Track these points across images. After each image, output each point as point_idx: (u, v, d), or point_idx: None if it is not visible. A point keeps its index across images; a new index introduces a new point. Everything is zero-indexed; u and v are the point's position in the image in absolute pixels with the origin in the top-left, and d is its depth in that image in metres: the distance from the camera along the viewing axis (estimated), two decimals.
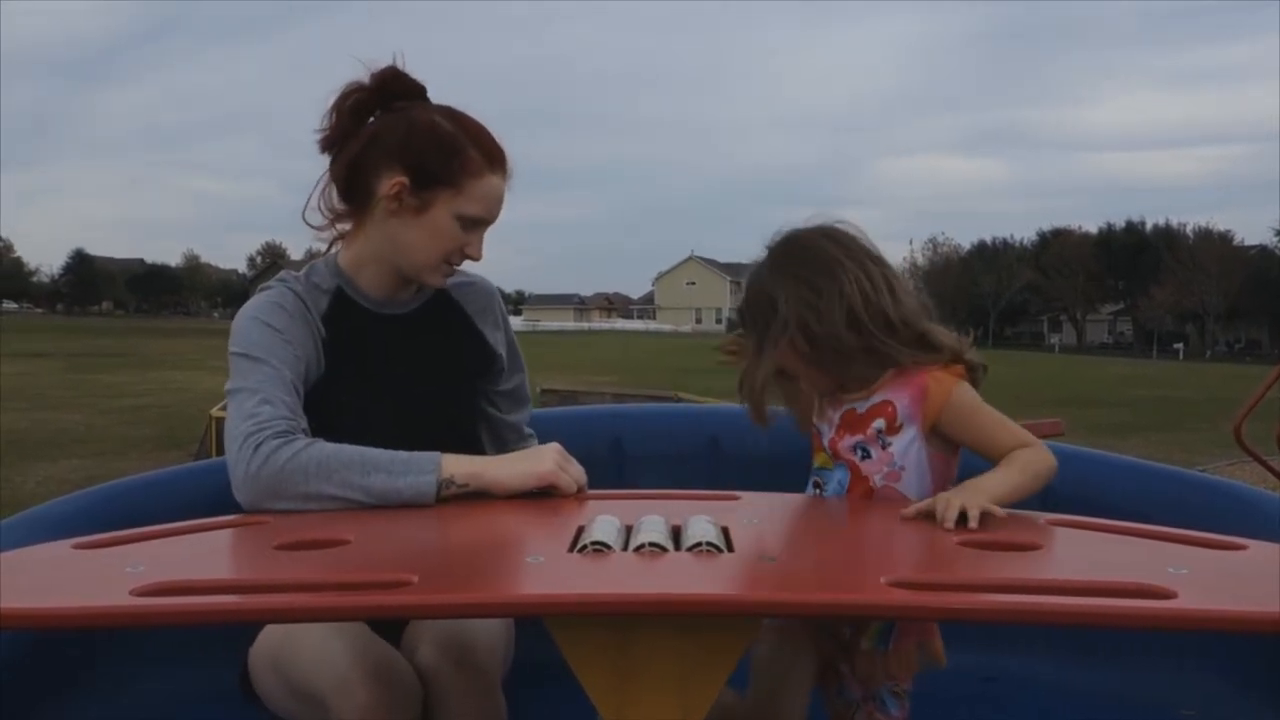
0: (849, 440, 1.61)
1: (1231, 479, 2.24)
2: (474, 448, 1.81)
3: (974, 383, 1.63)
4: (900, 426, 1.60)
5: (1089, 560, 1.19)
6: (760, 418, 1.65)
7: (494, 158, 1.71)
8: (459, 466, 1.55)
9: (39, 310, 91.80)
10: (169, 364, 23.71)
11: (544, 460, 1.57)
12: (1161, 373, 33.48)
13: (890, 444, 1.59)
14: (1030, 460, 1.57)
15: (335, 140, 1.73)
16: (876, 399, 1.61)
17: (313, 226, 1.78)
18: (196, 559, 1.16)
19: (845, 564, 1.20)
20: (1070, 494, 2.05)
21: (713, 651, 1.09)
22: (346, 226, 1.78)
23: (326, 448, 1.54)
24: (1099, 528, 1.32)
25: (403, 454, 1.54)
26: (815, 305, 1.55)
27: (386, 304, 1.78)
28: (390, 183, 1.67)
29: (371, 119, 1.73)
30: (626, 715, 1.11)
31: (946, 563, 1.17)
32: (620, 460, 2.28)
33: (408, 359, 1.79)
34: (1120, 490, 2.11)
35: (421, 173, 1.67)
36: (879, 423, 1.61)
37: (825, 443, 1.65)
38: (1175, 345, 61.46)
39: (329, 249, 1.81)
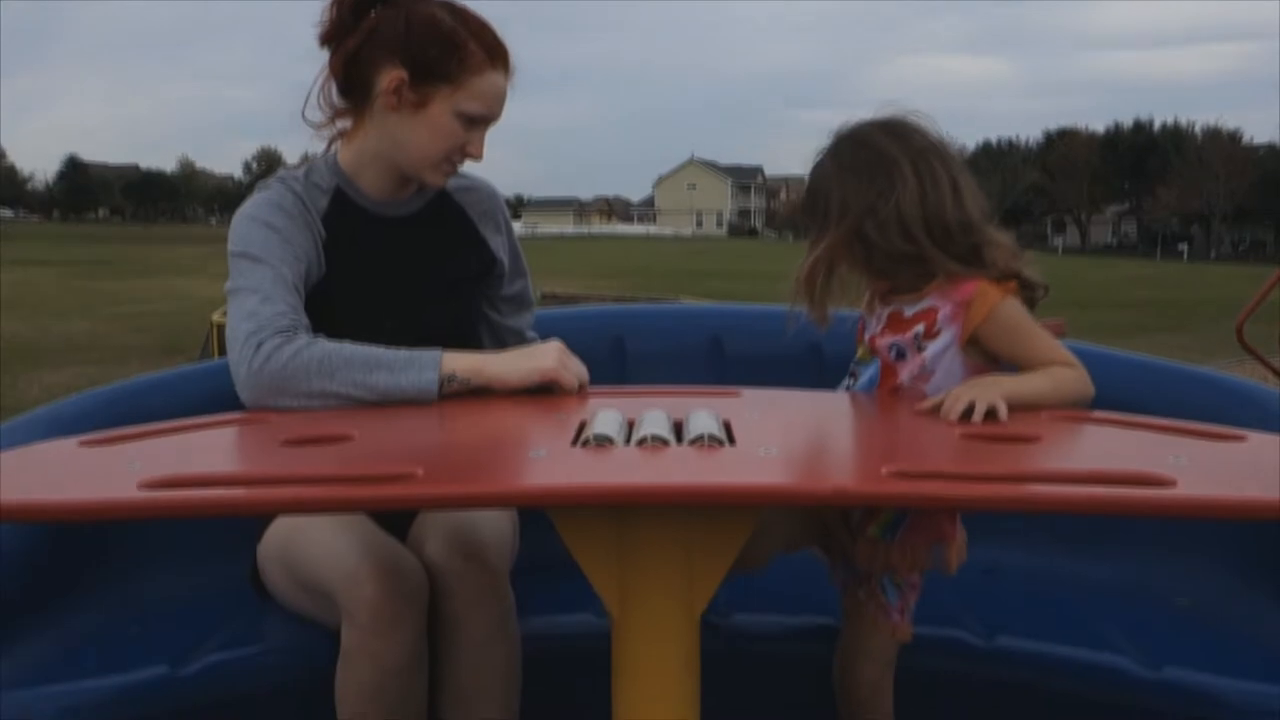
0: (888, 339, 1.62)
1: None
2: (474, 350, 1.81)
3: (1030, 301, 1.60)
4: (938, 332, 1.60)
5: (1089, 451, 1.20)
6: (817, 312, 1.63)
7: (495, 53, 1.67)
8: (460, 362, 1.55)
9: (35, 218, 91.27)
10: (168, 271, 23.64)
11: (546, 356, 1.57)
12: (1165, 274, 33.37)
13: (925, 348, 1.59)
14: (1065, 376, 1.55)
15: (334, 34, 1.69)
16: (925, 304, 1.60)
17: (312, 124, 1.75)
18: (202, 454, 1.17)
19: (846, 455, 1.21)
20: None
21: (714, 541, 1.10)
22: (346, 124, 1.75)
23: (328, 345, 1.54)
24: (1099, 420, 1.33)
25: (404, 352, 1.54)
26: (872, 207, 1.54)
27: (387, 205, 1.76)
28: (389, 78, 1.64)
29: (371, 12, 1.68)
30: (629, 605, 1.13)
31: (948, 454, 1.18)
32: (622, 360, 2.28)
33: (408, 261, 1.77)
34: (1120, 385, 2.12)
35: (420, 68, 1.63)
36: (919, 327, 1.61)
37: (867, 337, 1.66)
38: (1180, 246, 61.17)
39: (328, 148, 1.79)
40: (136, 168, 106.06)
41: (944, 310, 1.58)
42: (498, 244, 1.89)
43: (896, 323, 1.62)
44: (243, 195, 1.73)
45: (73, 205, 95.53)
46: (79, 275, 21.73)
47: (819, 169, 1.62)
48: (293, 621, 1.72)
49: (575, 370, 1.58)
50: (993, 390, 1.43)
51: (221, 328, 6.53)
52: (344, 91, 1.71)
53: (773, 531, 1.68)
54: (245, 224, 1.66)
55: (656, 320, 2.41)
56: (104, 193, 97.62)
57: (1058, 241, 73.60)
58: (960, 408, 1.37)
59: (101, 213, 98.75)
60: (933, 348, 1.60)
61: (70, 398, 2.06)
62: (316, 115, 1.74)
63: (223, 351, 2.13)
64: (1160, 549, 2.07)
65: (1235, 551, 2.02)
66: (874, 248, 1.55)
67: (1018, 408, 1.43)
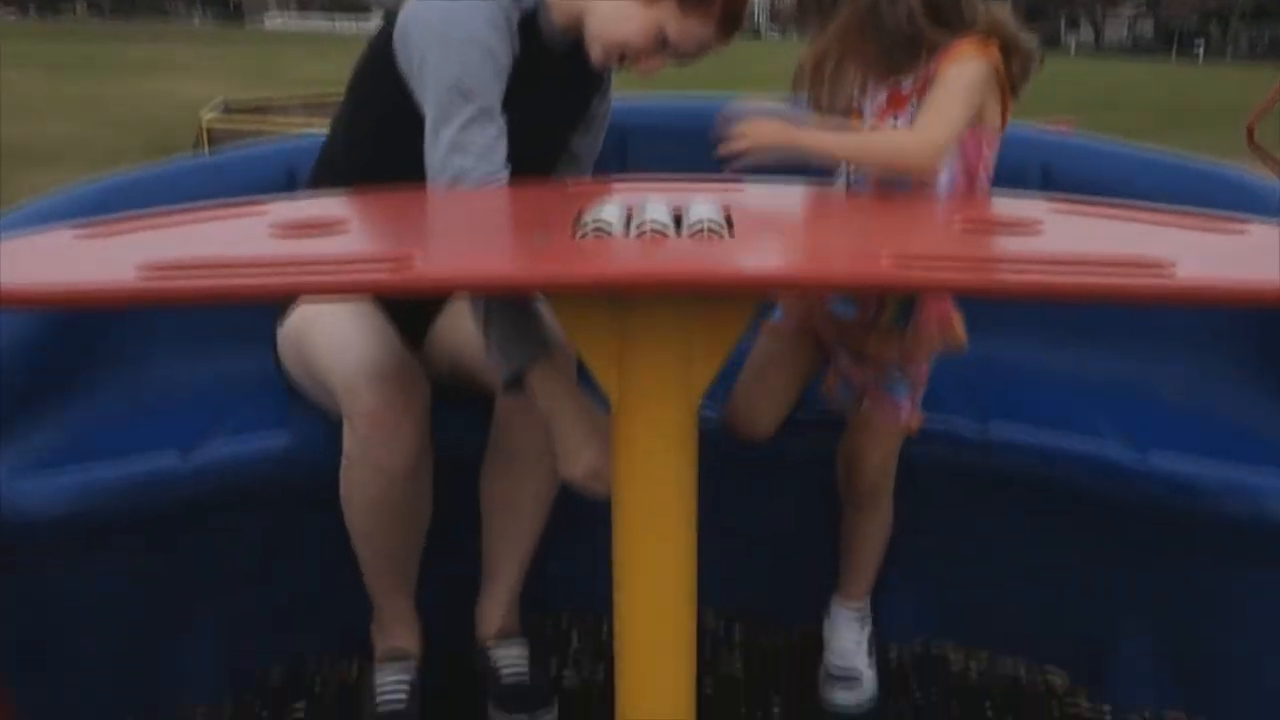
0: (890, 117, 1.59)
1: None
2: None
3: (1021, 71, 1.56)
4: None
5: (1089, 239, 1.19)
6: (825, 101, 1.62)
7: (730, 22, 1.61)
8: (543, 387, 1.49)
9: (10, 15, 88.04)
10: (153, 70, 22.89)
11: (580, 464, 1.48)
12: (1180, 74, 32.47)
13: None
14: (895, 139, 1.55)
15: None
16: (919, 75, 1.57)
17: None
18: (198, 242, 1.16)
19: (847, 243, 1.21)
20: (1072, 181, 2.03)
21: (714, 328, 1.11)
22: None
23: None
24: (1100, 210, 1.32)
25: (523, 327, 1.49)
26: None
27: (553, 38, 1.70)
28: None
29: None
30: (629, 391, 1.15)
31: (947, 242, 1.18)
32: (623, 151, 2.24)
33: (559, 93, 1.76)
34: (1122, 177, 2.10)
35: None
36: (915, 96, 1.58)
37: (866, 124, 1.62)
38: (1196, 47, 59.30)
39: None
40: None
41: (932, 74, 1.55)
42: (599, 108, 1.88)
43: (897, 100, 1.60)
44: None
45: (48, 2, 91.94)
46: (61, 75, 21.09)
47: None
48: (308, 409, 1.76)
49: (601, 488, 1.46)
50: (777, 133, 1.47)
51: (212, 130, 6.38)
52: None
53: (773, 389, 1.72)
54: (465, 44, 1.57)
55: (660, 113, 2.35)
56: None
57: (1071, 40, 71.27)
58: (739, 144, 1.46)
59: (79, 8, 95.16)
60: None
61: (62, 191, 2.04)
62: None
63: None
64: (1150, 342, 2.10)
65: (1223, 341, 2.05)
66: (883, 29, 1.51)
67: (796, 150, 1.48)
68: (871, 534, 1.80)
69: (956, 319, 1.66)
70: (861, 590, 1.84)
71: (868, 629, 1.86)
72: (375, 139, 1.71)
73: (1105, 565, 1.80)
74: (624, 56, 1.63)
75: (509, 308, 1.48)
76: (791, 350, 1.78)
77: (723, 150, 1.51)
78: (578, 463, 1.47)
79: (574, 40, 1.69)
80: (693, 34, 1.60)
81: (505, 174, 1.56)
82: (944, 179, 1.53)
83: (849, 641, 1.83)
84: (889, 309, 1.65)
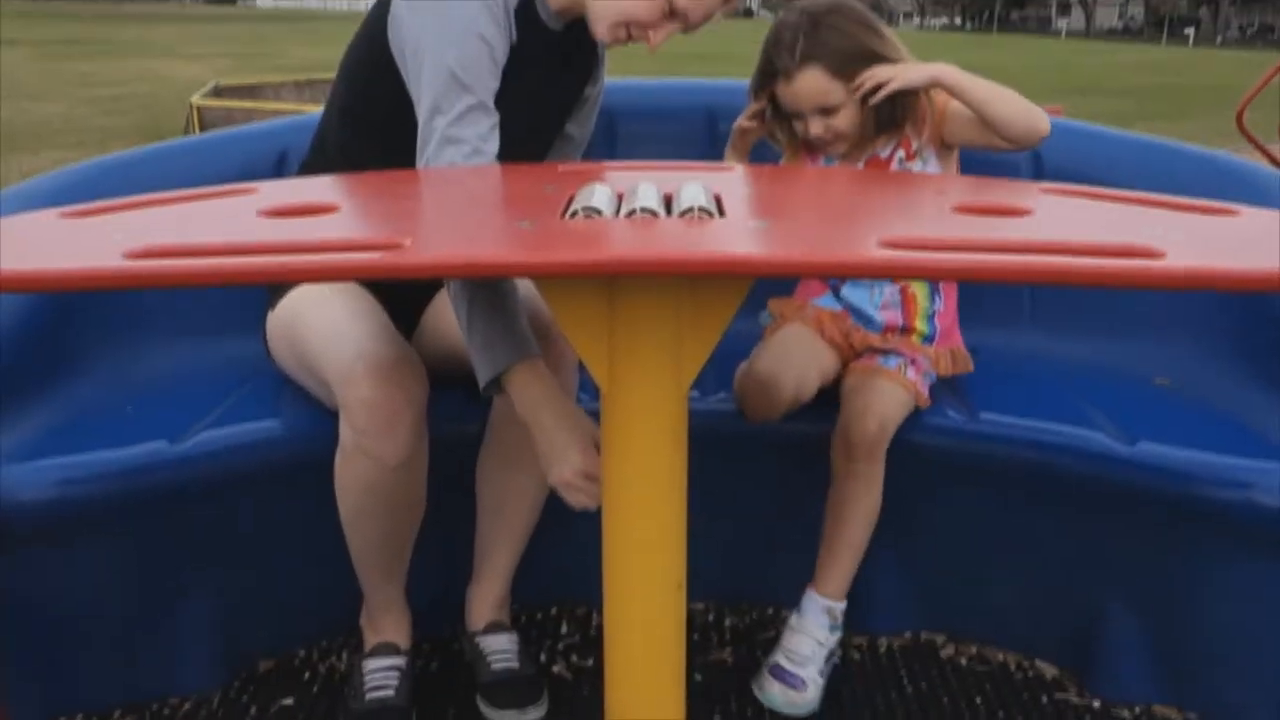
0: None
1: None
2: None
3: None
4: (916, 152, 1.81)
5: (1079, 225, 1.19)
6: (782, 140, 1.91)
7: None
8: (522, 392, 1.46)
9: None
10: (144, 51, 22.76)
11: (566, 465, 1.43)
12: (1170, 59, 32.44)
13: (909, 167, 1.80)
14: (1026, 103, 1.74)
15: None
16: (894, 143, 1.83)
17: None
18: (186, 226, 1.15)
19: (838, 228, 1.20)
20: (1062, 166, 2.03)
21: (702, 313, 1.10)
22: None
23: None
24: (1090, 195, 1.31)
25: (500, 328, 1.46)
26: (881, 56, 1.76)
27: (552, 19, 1.68)
28: None
29: None
30: (619, 375, 1.14)
31: (939, 226, 1.17)
32: (612, 136, 2.23)
33: (558, 76, 1.75)
34: (1113, 162, 2.10)
35: None
36: (900, 154, 1.81)
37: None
38: (1186, 30, 59.27)
39: None
40: None
41: (912, 133, 1.82)
42: (590, 92, 1.87)
43: (878, 165, 1.82)
44: None
45: None
46: (50, 55, 20.95)
47: (840, 17, 1.76)
48: (298, 396, 1.75)
49: (589, 493, 1.42)
50: (925, 69, 1.74)
51: (202, 110, 6.34)
52: None
53: (799, 371, 1.74)
54: (463, 35, 1.55)
55: (649, 95, 2.34)
56: None
57: (1061, 24, 71.17)
58: (883, 75, 1.71)
59: None
60: (915, 164, 1.81)
61: (48, 174, 2.02)
62: None
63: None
64: (1139, 329, 2.10)
65: (1212, 331, 2.05)
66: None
67: (955, 91, 1.73)
68: (855, 515, 1.74)
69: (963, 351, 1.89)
70: (837, 584, 1.76)
71: (835, 637, 1.76)
72: (367, 122, 1.70)
73: (1095, 556, 1.81)
74: (630, 29, 1.61)
75: (487, 311, 1.46)
76: (819, 342, 1.83)
77: (869, 83, 1.71)
78: (563, 467, 1.42)
79: (569, 23, 1.67)
80: (699, 5, 1.58)
81: (498, 168, 1.55)
82: None
83: (808, 643, 1.73)
84: (916, 329, 1.82)
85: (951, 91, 1.74)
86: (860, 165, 1.81)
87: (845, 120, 1.77)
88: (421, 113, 1.55)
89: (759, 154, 1.95)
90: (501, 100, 1.60)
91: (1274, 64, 4.14)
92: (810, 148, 1.87)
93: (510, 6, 1.61)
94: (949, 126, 1.81)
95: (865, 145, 1.83)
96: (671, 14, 1.59)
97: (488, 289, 1.47)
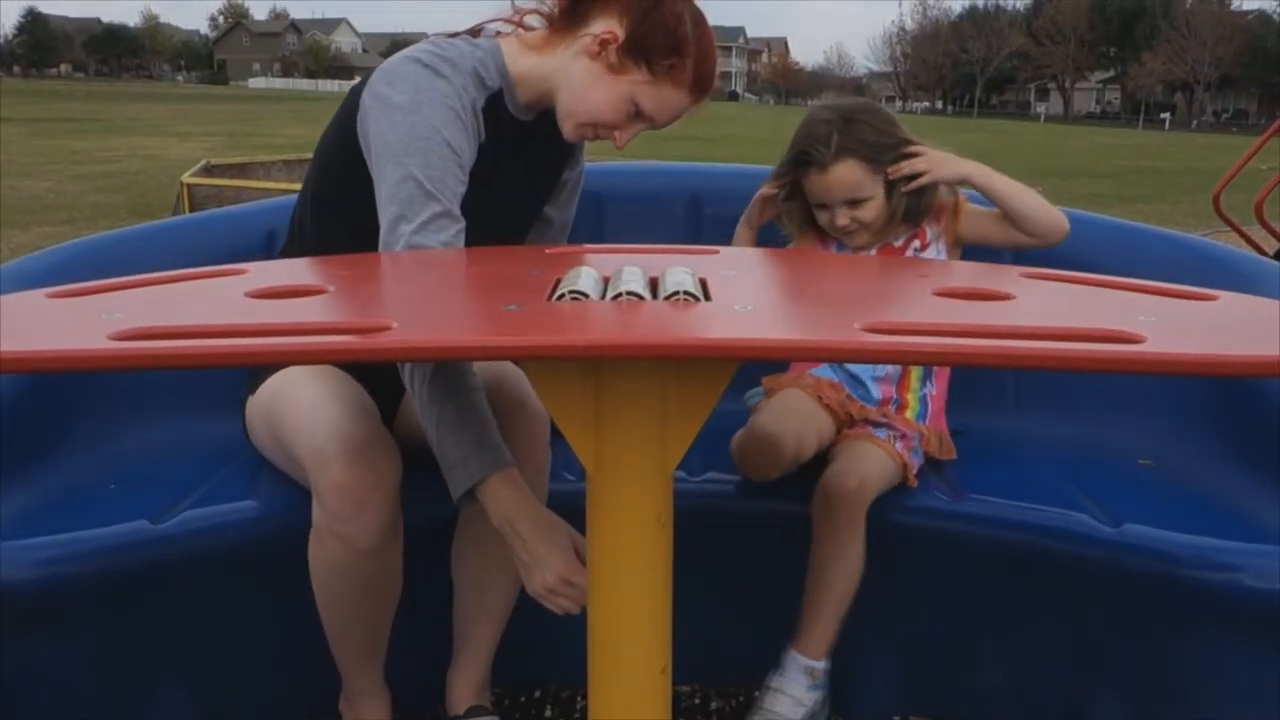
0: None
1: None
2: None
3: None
4: (929, 244, 1.90)
5: (1059, 309, 1.20)
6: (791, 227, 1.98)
7: (701, 85, 1.64)
8: (497, 504, 1.45)
9: None
10: (136, 129, 23.01)
11: (549, 572, 1.42)
12: (1146, 143, 33.13)
13: (922, 257, 1.89)
14: (1046, 203, 1.84)
15: None
16: (910, 233, 1.91)
17: (515, 10, 1.71)
18: (173, 307, 1.16)
19: (821, 311, 1.21)
20: (1042, 251, 2.06)
21: (690, 395, 1.11)
22: (535, 35, 1.68)
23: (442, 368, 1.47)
24: (1069, 279, 1.33)
25: (471, 443, 1.45)
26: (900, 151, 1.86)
27: (521, 112, 1.71)
28: (606, 29, 1.59)
29: None
30: (605, 457, 1.14)
31: (921, 311, 1.18)
32: (599, 217, 2.26)
33: (529, 166, 1.78)
34: (1092, 247, 2.13)
35: (637, 44, 1.58)
36: (915, 243, 1.90)
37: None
38: (1162, 115, 60.61)
39: (477, 33, 1.71)
40: (98, 21, 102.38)
41: (930, 228, 1.91)
42: (568, 176, 1.90)
43: (890, 253, 1.89)
44: (210, 51, 1.67)
45: (33, 60, 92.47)
46: (43, 133, 21.15)
47: (880, 119, 1.86)
48: (278, 478, 1.74)
49: (575, 597, 1.42)
50: (973, 163, 1.85)
51: (192, 189, 6.40)
52: (564, 12, 1.64)
53: (800, 427, 1.75)
54: (428, 141, 1.55)
55: (635, 179, 2.38)
56: (65, 47, 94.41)
57: (1040, 109, 72.70)
58: (920, 166, 1.82)
59: (63, 68, 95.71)
60: (926, 254, 1.90)
61: (37, 253, 2.03)
62: (526, 2, 1.70)
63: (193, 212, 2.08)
64: (1120, 411, 2.11)
65: (1192, 412, 2.06)
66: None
67: (985, 187, 1.83)
68: (835, 575, 1.72)
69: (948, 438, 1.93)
70: (818, 645, 1.74)
71: (815, 697, 1.74)
72: (339, 207, 1.70)
73: (1083, 639, 1.79)
74: (597, 129, 1.64)
75: (456, 426, 1.45)
76: (817, 406, 1.85)
77: (906, 169, 1.80)
78: (546, 574, 1.40)
79: (541, 113, 1.70)
80: (666, 101, 1.62)
81: (488, 251, 1.56)
82: None
83: (786, 702, 1.71)
84: (909, 404, 1.86)
85: (981, 188, 1.83)
86: (873, 251, 1.90)
87: (871, 212, 1.85)
88: (385, 217, 1.54)
89: (766, 238, 1.99)
90: (473, 187, 1.61)
91: (1248, 149, 4.23)
92: (821, 234, 1.92)
93: (478, 107, 1.63)
94: (966, 223, 1.90)
95: (883, 235, 1.90)
96: (638, 115, 1.63)
97: (455, 401, 1.46)
